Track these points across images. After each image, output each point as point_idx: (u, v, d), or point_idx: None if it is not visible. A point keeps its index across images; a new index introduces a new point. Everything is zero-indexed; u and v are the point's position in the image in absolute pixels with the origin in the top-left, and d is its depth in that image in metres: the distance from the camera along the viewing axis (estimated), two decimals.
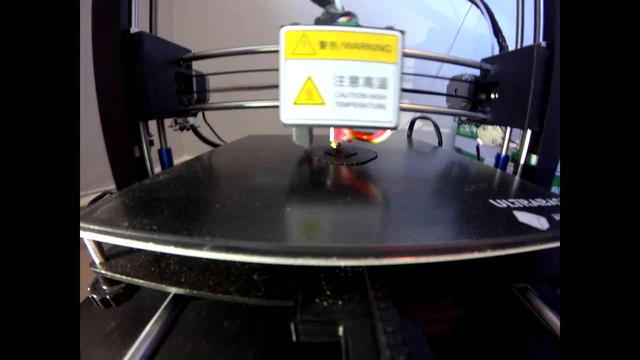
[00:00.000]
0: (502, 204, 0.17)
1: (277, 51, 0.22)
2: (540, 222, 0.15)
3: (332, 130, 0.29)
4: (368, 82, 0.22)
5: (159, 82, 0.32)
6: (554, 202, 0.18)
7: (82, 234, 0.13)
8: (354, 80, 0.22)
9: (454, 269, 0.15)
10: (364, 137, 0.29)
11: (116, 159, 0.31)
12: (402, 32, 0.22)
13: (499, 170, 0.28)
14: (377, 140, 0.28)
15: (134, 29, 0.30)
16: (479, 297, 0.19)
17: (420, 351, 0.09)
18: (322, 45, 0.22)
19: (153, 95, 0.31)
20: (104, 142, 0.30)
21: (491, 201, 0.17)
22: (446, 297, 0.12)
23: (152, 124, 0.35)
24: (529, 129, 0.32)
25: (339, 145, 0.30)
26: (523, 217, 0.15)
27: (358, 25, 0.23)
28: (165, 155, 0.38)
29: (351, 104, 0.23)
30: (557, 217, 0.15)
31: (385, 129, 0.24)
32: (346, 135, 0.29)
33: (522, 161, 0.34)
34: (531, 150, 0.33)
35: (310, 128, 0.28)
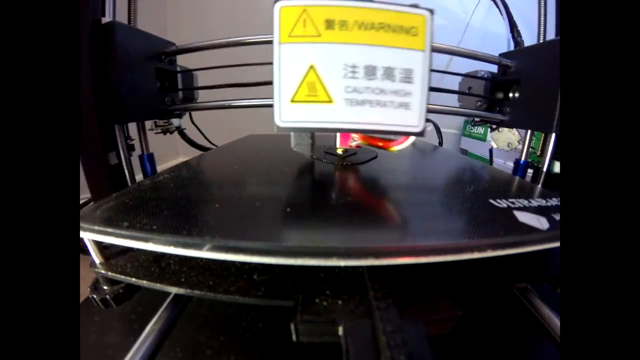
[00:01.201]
0: (502, 203, 0.17)
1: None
2: (540, 222, 0.15)
3: (338, 134, 0.24)
4: (389, 73, 0.17)
5: (136, 79, 0.29)
6: (554, 202, 0.17)
7: (82, 234, 0.13)
8: (370, 71, 0.17)
9: (454, 269, 0.15)
10: (379, 143, 0.24)
11: (89, 166, 0.27)
12: (430, 11, 0.17)
13: (498, 170, 0.28)
14: (396, 148, 0.23)
15: (106, 19, 0.26)
16: (479, 297, 0.19)
17: (420, 351, 0.09)
18: (329, 24, 0.17)
19: (129, 94, 0.28)
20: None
21: (491, 201, 0.17)
22: (446, 297, 0.12)
23: (133, 127, 0.31)
24: (554, 133, 0.28)
25: (345, 150, 0.26)
26: (523, 217, 0.15)
27: (374, 0, 0.17)
28: (147, 161, 0.33)
29: (366, 102, 0.17)
30: (557, 217, 0.15)
31: (409, 134, 0.19)
32: (355, 140, 0.25)
33: (544, 168, 0.30)
34: (555, 157, 0.30)
35: (312, 133, 0.22)
